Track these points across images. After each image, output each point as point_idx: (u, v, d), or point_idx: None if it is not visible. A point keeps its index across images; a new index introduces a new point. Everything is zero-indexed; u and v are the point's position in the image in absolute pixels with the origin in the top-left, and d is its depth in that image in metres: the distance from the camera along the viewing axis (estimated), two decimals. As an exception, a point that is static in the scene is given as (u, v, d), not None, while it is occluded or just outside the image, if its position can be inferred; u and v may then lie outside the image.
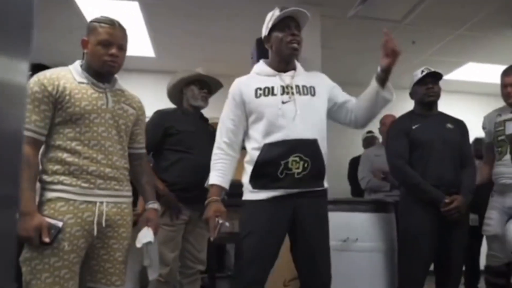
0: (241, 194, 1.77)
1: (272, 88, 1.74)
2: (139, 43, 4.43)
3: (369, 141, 4.42)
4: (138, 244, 1.69)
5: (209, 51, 4.64)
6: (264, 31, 1.83)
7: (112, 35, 1.60)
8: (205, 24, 4.04)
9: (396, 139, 2.43)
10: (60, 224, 1.45)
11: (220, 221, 1.59)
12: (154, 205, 1.82)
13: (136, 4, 3.65)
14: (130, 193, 1.72)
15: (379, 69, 1.72)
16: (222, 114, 1.82)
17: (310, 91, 1.78)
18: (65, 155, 1.52)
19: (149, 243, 1.68)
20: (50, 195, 1.50)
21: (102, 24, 1.61)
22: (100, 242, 1.59)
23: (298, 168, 1.65)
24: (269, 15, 1.81)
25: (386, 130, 3.42)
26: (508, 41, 4.12)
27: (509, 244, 2.24)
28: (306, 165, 1.67)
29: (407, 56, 4.69)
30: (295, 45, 1.75)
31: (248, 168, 1.73)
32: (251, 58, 2.96)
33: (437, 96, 2.42)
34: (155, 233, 1.75)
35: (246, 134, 1.80)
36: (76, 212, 1.51)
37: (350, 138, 4.76)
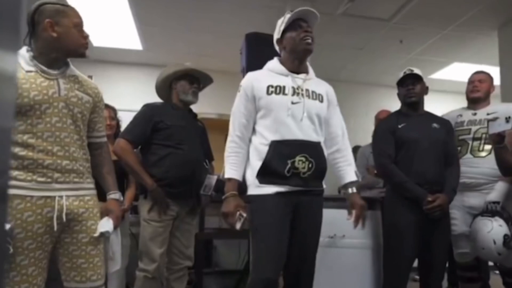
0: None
1: (284, 87, 1.79)
2: (126, 36, 4.34)
3: None
4: (95, 234, 1.60)
5: (197, 45, 4.61)
6: (277, 35, 1.89)
7: (80, 18, 1.59)
8: (194, 17, 4.00)
9: (382, 138, 2.46)
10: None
11: (244, 215, 1.67)
12: (115, 195, 1.75)
13: (124, -4, 3.60)
14: (92, 186, 1.66)
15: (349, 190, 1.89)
16: (233, 107, 1.85)
17: (318, 97, 1.85)
18: (17, 149, 1.43)
19: (106, 232, 1.61)
20: None
21: (69, 7, 1.58)
22: (68, 236, 1.55)
23: (304, 168, 1.73)
24: (280, 20, 1.87)
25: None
26: (493, 42, 4.19)
27: (480, 242, 2.29)
28: (311, 165, 1.74)
29: (394, 54, 4.74)
30: (309, 40, 1.81)
31: (255, 164, 1.76)
32: (240, 53, 2.95)
33: (418, 96, 2.44)
34: (116, 225, 1.68)
35: (253, 128, 1.84)
36: (35, 209, 1.45)
37: (351, 134, 4.76)
